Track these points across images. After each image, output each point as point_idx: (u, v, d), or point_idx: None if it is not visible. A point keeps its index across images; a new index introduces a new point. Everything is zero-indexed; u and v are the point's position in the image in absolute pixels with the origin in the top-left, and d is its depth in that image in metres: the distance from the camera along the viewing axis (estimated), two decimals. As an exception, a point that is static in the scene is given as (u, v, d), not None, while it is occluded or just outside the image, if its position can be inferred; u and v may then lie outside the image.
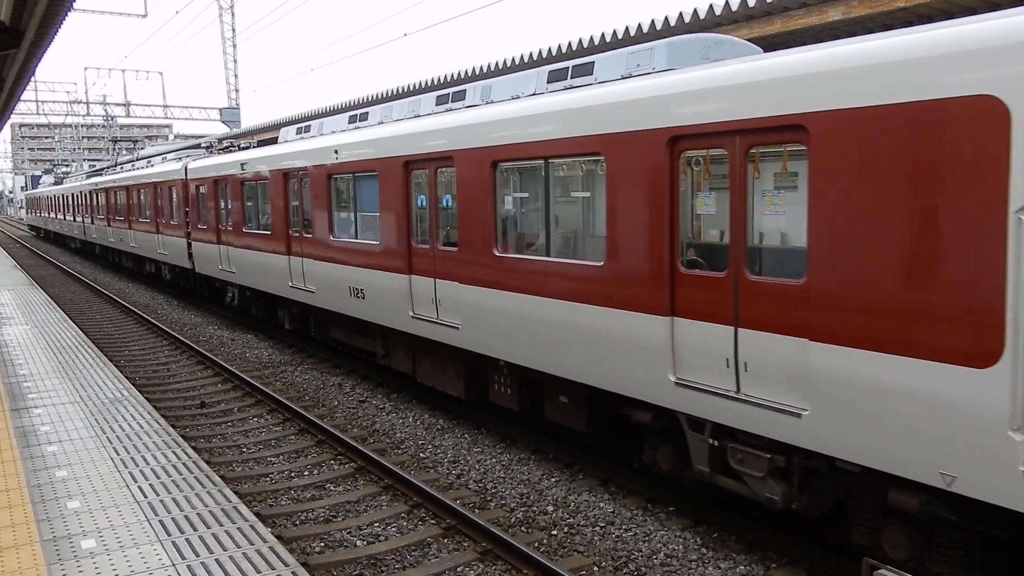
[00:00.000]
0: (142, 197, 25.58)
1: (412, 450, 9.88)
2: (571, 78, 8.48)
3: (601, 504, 7.98)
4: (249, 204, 16.50)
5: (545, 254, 8.45)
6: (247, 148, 19.22)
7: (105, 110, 50.83)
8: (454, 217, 9.78)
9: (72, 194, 40.98)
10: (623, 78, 7.71)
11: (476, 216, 9.18)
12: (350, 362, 14.17)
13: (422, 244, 10.47)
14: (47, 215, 53.91)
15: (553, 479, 8.70)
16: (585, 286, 7.73)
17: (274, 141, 17.39)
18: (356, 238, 12.16)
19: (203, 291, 21.30)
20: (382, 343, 12.19)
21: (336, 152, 12.28)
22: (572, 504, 8.02)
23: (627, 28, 13.35)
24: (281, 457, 9.78)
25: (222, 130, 46.63)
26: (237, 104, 48.75)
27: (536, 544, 7.15)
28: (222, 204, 17.99)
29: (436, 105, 10.83)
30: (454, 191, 9.72)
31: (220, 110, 48.26)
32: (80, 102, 50.07)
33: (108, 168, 39.05)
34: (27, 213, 74.41)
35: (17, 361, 11.45)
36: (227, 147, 20.86)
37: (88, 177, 40.83)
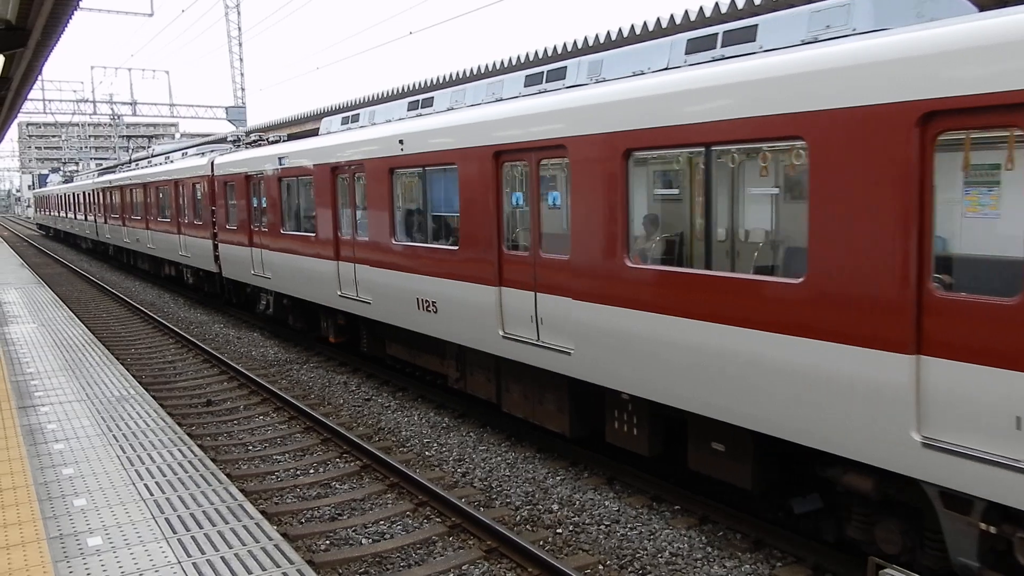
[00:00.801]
0: (161, 195, 24.09)
1: (417, 448, 9.88)
2: (722, 46, 6.94)
3: (606, 502, 7.97)
4: (288, 203, 15.00)
5: (705, 266, 6.74)
6: (277, 142, 17.48)
7: (112, 109, 50.95)
8: (563, 218, 8.33)
9: (83, 192, 39.35)
10: (805, 43, 6.17)
11: (599, 216, 7.51)
12: (355, 360, 14.18)
13: (517, 250, 8.86)
14: (57, 214, 52.26)
15: (558, 477, 8.70)
16: (769, 309, 6.04)
17: (308, 135, 16.32)
18: (427, 242, 10.64)
19: (231, 297, 19.59)
20: (456, 364, 10.66)
21: (401, 142, 10.65)
22: (577, 502, 8.01)
23: (640, 23, 13.33)
24: (287, 455, 9.79)
25: (228, 128, 46.72)
26: (243, 103, 48.82)
27: (541, 542, 7.15)
28: (255, 202, 16.39)
29: (525, 86, 9.24)
30: (566, 186, 8.10)
31: (226, 109, 48.35)
32: (87, 101, 50.18)
33: (121, 165, 37.27)
34: (36, 212, 73.29)
35: (24, 359, 11.49)
36: (255, 141, 19.16)
37: (100, 174, 39.42)
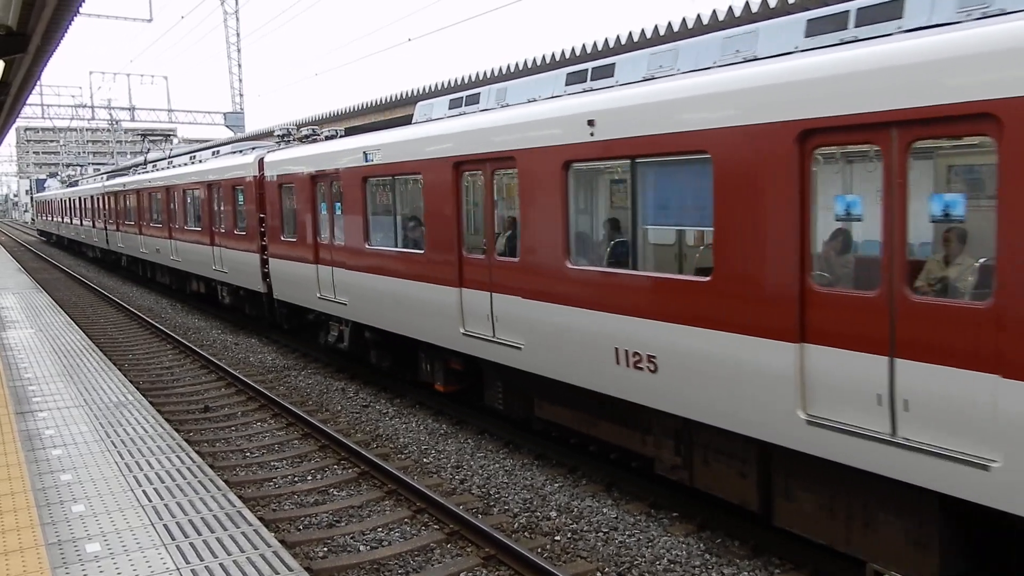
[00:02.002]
0: (189, 200, 20.91)
1: (415, 455, 9.88)
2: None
3: (604, 510, 7.98)
4: (379, 210, 12.08)
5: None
6: (333, 137, 15.11)
7: (110, 114, 51.00)
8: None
9: (92, 197, 35.53)
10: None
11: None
12: (353, 367, 14.18)
13: (838, 286, 5.99)
14: (60, 220, 47.91)
15: (556, 484, 8.70)
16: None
17: (367, 129, 14.63)
18: (638, 269, 7.49)
19: (282, 323, 16.20)
20: (675, 448, 7.47)
21: (591, 124, 7.53)
22: (575, 509, 8.02)
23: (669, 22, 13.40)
24: (285, 462, 9.79)
25: (226, 134, 46.75)
26: (241, 108, 48.92)
27: (539, 550, 7.15)
28: (325, 209, 13.25)
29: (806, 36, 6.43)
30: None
31: (224, 114, 48.42)
32: (85, 106, 50.28)
33: (136, 167, 33.00)
34: (37, 217, 69.18)
35: (22, 365, 11.48)
36: (308, 135, 15.83)
37: (110, 177, 34.95)
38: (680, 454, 7.43)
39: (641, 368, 7.22)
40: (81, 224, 39.52)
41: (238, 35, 48.26)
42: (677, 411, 7.02)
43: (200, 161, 21.41)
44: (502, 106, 9.63)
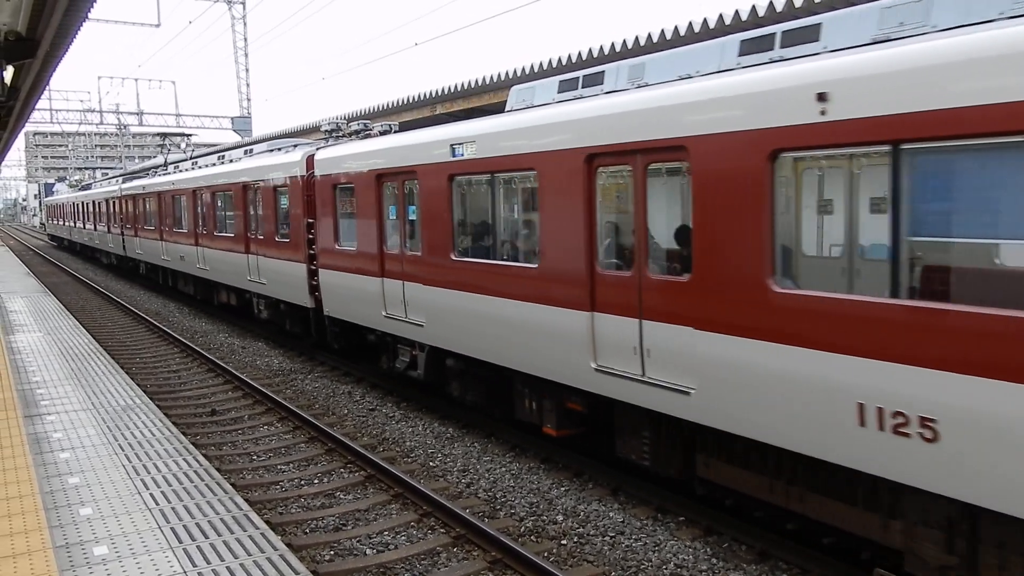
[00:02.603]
0: (220, 203, 19.16)
1: (422, 459, 9.88)
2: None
3: (611, 514, 7.96)
4: (470, 214, 10.24)
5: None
6: (388, 132, 13.60)
7: (118, 119, 51.24)
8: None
9: (107, 200, 33.42)
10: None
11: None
12: (360, 370, 14.19)
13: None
14: (73, 225, 45.84)
15: (563, 488, 8.69)
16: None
17: (416, 126, 12.87)
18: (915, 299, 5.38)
19: (333, 343, 13.95)
20: (946, 540, 5.41)
21: (823, 99, 5.66)
22: (582, 513, 8.00)
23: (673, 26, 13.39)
24: (291, 465, 9.80)
25: (234, 138, 46.91)
26: (249, 113, 49.09)
27: (546, 554, 7.14)
28: (391, 213, 11.49)
29: None
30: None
31: (232, 119, 48.60)
32: (94, 111, 50.52)
33: (155, 169, 30.60)
34: (48, 221, 66.36)
35: (30, 368, 11.52)
36: (361, 131, 14.05)
37: (126, 180, 32.89)
38: (953, 550, 5.47)
39: (903, 433, 5.26)
40: (95, 229, 37.42)
41: (245, 40, 48.48)
42: (966, 495, 5.09)
43: (231, 161, 19.50)
44: (639, 86, 7.83)
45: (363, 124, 14.26)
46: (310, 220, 14.09)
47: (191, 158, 27.37)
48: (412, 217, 11.00)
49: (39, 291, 22.85)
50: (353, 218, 12.67)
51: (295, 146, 16.58)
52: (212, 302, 21.45)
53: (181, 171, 23.90)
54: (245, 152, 19.30)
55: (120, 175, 41.59)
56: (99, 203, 35.57)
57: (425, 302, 10.64)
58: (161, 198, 24.32)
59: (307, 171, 14.13)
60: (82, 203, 41.00)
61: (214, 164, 20.70)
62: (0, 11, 9.35)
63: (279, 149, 17.00)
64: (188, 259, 21.75)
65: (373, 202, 11.80)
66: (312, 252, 14.13)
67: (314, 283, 14.10)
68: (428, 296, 10.56)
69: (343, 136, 14.75)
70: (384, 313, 11.61)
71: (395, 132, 13.29)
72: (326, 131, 15.19)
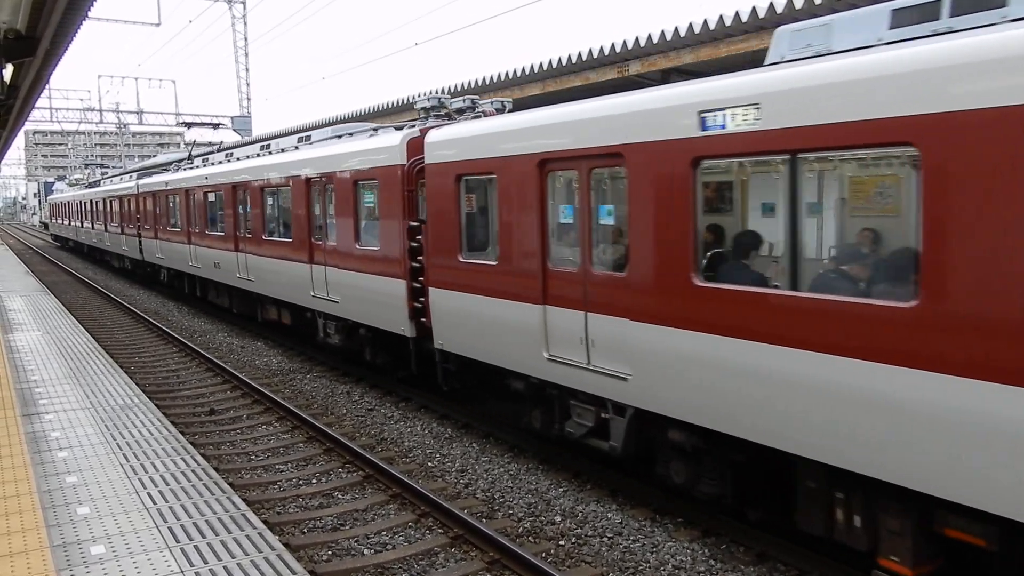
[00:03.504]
0: (271, 201, 16.27)
1: (420, 459, 9.88)
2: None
3: (609, 514, 7.96)
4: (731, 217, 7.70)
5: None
6: (503, 110, 11.67)
7: (118, 118, 51.24)
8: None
9: (120, 198, 30.27)
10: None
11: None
12: (358, 370, 14.18)
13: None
14: (79, 225, 42.48)
15: (561, 489, 8.68)
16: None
17: (533, 104, 10.92)
18: None
19: (445, 383, 10.78)
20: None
21: None
22: (580, 514, 8.00)
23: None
24: (289, 465, 9.79)
25: (234, 138, 46.92)
26: (249, 112, 49.09)
27: (544, 554, 7.14)
28: (564, 213, 8.44)
29: None
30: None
31: (232, 118, 48.58)
32: (93, 109, 50.52)
33: (179, 163, 26.26)
34: (51, 221, 62.55)
35: (29, 367, 11.52)
36: (467, 107, 11.81)
37: (141, 176, 29.57)
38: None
39: None
40: (106, 230, 33.76)
41: (246, 39, 48.48)
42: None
43: (281, 151, 16.34)
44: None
45: (470, 100, 11.81)
46: (414, 223, 11.00)
47: (222, 149, 24.15)
48: (605, 220, 8.02)
49: (38, 290, 22.85)
50: (489, 220, 9.84)
51: (375, 130, 13.67)
52: (255, 318, 18.08)
53: (212, 164, 20.82)
54: (300, 140, 16.03)
55: (135, 170, 37.34)
56: (111, 201, 32.14)
57: (637, 346, 7.34)
58: (190, 195, 21.08)
59: (410, 158, 11.01)
60: (91, 201, 37.38)
61: (256, 155, 17.60)
62: (0, 9, 9.35)
63: (349, 135, 14.11)
64: (225, 267, 18.55)
65: (531, 198, 8.60)
66: (416, 265, 10.99)
67: (418, 305, 11.02)
68: (644, 338, 7.23)
69: (442, 115, 11.98)
70: (547, 355, 8.48)
71: (509, 112, 11.19)
72: (423, 108, 12.18)
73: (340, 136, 14.39)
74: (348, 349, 13.63)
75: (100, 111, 50.52)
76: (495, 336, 9.44)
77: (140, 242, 27.22)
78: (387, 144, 11.56)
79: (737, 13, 11.53)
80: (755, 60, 8.75)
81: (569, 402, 8.53)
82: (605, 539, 7.45)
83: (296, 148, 15.67)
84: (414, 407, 12.13)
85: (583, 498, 8.40)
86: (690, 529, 7.58)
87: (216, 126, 32.70)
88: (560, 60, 15.23)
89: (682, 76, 12.24)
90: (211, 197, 19.59)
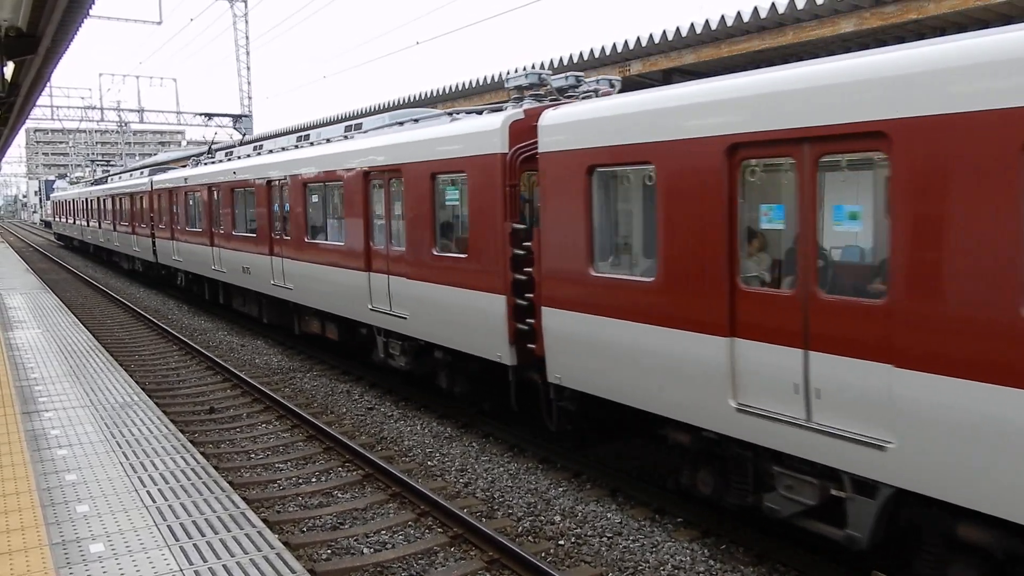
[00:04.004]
0: (315, 198, 13.94)
1: (420, 458, 9.88)
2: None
3: (608, 514, 7.95)
4: None
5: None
6: (612, 93, 9.50)
7: (119, 116, 51.23)
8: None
9: (131, 196, 27.96)
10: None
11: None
12: (358, 369, 14.18)
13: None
14: (84, 224, 40.32)
15: (560, 488, 8.68)
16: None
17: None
18: None
19: (554, 422, 9.02)
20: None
21: None
22: (580, 514, 8.00)
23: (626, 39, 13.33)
24: (289, 463, 9.79)
25: (235, 136, 46.88)
26: (250, 111, 49.05)
27: (543, 554, 7.13)
28: (772, 215, 6.41)
29: None
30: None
31: (233, 116, 48.55)
32: (94, 108, 50.47)
33: (199, 157, 23.49)
34: (54, 219, 59.42)
35: (28, 365, 11.52)
36: (571, 86, 9.81)
37: (154, 172, 27.07)
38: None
39: None
40: (114, 229, 31.66)
41: (247, 38, 48.44)
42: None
43: (325, 142, 14.26)
44: None
45: (574, 78, 9.80)
46: (520, 225, 9.01)
47: (249, 141, 22.55)
48: (844, 224, 5.96)
49: (38, 288, 22.84)
50: (635, 224, 8.22)
51: (449, 115, 11.34)
52: (290, 330, 16.08)
53: (237, 158, 18.89)
54: (349, 129, 13.88)
55: (146, 166, 35.04)
56: (121, 199, 29.85)
57: (907, 405, 5.25)
58: (214, 192, 19.07)
59: (513, 146, 9.03)
60: (98, 199, 34.94)
61: (294, 147, 15.47)
62: (1, 7, 9.35)
63: (413, 121, 12.11)
64: (256, 272, 16.48)
65: (714, 195, 6.52)
66: (522, 277, 8.89)
67: (522, 327, 8.94)
68: (929, 397, 5.13)
69: (541, 96, 9.99)
70: (734, 403, 6.44)
71: (617, 93, 9.43)
72: (517, 87, 10.10)
73: (402, 123, 12.26)
74: (416, 374, 11.69)
75: (101, 109, 50.47)
76: (647, 374, 7.31)
77: (154, 243, 25.21)
78: (481, 128, 9.49)
79: (739, 13, 11.51)
80: (756, 60, 8.75)
81: (771, 468, 6.42)
82: (605, 539, 7.44)
83: (345, 138, 13.59)
84: (414, 406, 12.13)
85: (583, 498, 8.40)
86: (690, 529, 7.58)
87: (238, 117, 29.39)
88: (562, 60, 15.22)
89: (684, 76, 12.18)
90: (240, 194, 17.55)
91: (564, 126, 8.35)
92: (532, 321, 8.80)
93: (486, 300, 9.37)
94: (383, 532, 7.66)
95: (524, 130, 9.02)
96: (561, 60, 15.30)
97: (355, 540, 7.48)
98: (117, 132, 61.81)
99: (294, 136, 16.26)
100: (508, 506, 8.29)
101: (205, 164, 21.35)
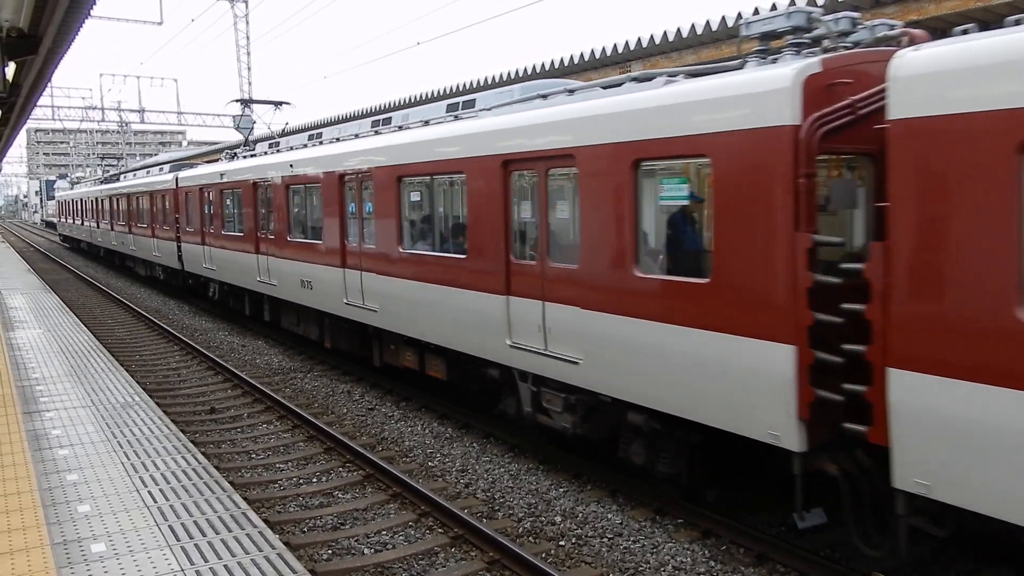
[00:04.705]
0: (413, 197, 11.21)
1: (420, 458, 9.88)
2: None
3: (609, 515, 7.96)
4: None
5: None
6: (712, 72, 7.04)
7: (120, 116, 51.26)
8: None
9: (151, 195, 25.19)
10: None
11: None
12: (359, 369, 14.18)
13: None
14: (94, 226, 37.38)
15: (561, 489, 8.68)
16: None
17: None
18: None
19: (802, 516, 7.04)
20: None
21: None
22: (580, 515, 8.00)
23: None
24: (290, 464, 9.80)
25: (236, 137, 46.90)
26: (251, 111, 49.01)
27: (544, 555, 7.14)
28: None
29: None
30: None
31: (233, 117, 48.57)
32: (95, 108, 50.53)
33: (235, 150, 20.55)
34: (60, 220, 56.25)
35: (30, 365, 11.52)
36: (811, 41, 6.67)
37: (174, 168, 25.02)
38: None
39: None
40: (130, 232, 28.65)
41: (248, 38, 48.46)
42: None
43: (423, 124, 11.19)
44: None
45: (850, 21, 6.84)
46: (825, 238, 5.99)
47: (304, 129, 19.39)
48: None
49: (39, 288, 22.86)
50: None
51: (610, 86, 8.21)
52: (365, 360, 13.36)
53: (288, 149, 15.92)
54: (452, 108, 11.06)
55: (168, 161, 32.15)
56: (138, 198, 26.90)
57: None
58: (262, 190, 16.17)
59: (807, 115, 5.92)
60: (111, 198, 32.04)
61: (373, 133, 12.73)
62: (2, 7, 9.36)
63: (542, 97, 9.08)
64: (323, 288, 13.60)
65: None
66: (826, 319, 5.76)
67: (827, 396, 5.82)
68: None
69: (798, 41, 6.73)
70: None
71: (713, 73, 7.06)
72: (763, 35, 7.06)
73: (544, 96, 9.09)
74: (591, 439, 8.64)
75: (102, 109, 50.53)
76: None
77: (179, 248, 22.28)
78: (747, 89, 6.32)
79: (740, 14, 11.50)
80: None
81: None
82: (605, 540, 7.44)
83: (455, 118, 10.58)
84: (414, 407, 12.13)
85: (583, 498, 8.40)
86: (690, 530, 7.58)
87: (279, 104, 24.16)
88: (563, 60, 15.24)
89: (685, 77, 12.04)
90: (298, 192, 14.73)
91: (966, 74, 4.85)
92: (851, 387, 5.62)
93: (753, 350, 6.26)
94: (384, 532, 7.66)
95: (820, 91, 6.01)
96: (562, 60, 15.30)
97: (356, 540, 7.48)
98: (118, 132, 61.80)
99: (367, 121, 13.66)
100: (509, 507, 8.29)
101: (244, 158, 18.62)
